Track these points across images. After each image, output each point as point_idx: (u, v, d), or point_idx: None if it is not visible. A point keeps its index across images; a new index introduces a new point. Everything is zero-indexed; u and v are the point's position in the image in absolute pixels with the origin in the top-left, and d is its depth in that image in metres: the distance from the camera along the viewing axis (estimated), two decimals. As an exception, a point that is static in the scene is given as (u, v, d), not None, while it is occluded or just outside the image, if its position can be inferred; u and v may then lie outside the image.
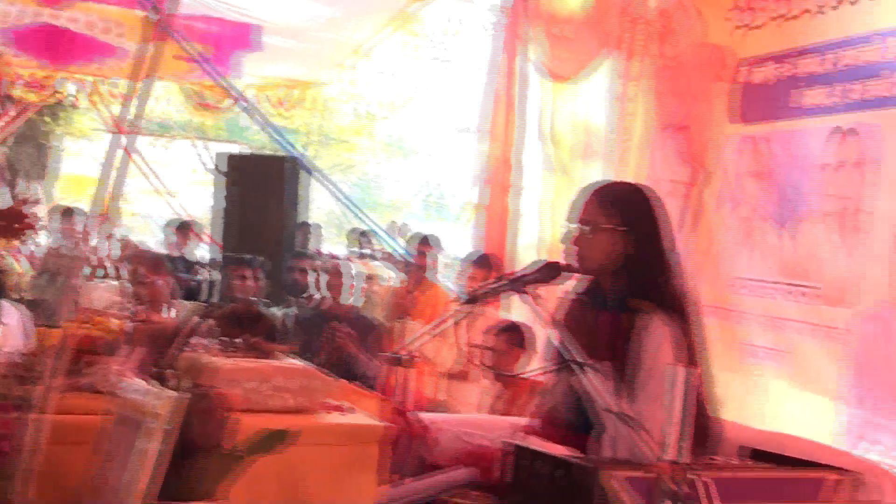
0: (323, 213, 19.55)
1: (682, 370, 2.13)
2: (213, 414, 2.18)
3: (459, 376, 5.64)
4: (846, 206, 3.93)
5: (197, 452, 2.00)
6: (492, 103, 6.77)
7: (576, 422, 2.70)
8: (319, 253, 7.15)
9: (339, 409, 3.30)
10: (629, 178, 4.97)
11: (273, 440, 2.19)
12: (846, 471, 2.45)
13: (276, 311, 6.00)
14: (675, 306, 2.61)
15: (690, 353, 2.59)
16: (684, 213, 4.85)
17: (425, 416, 3.23)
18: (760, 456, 2.53)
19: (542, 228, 6.46)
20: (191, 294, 6.79)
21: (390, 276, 7.17)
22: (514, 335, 4.77)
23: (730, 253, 4.54)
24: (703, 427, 2.63)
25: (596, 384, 2.25)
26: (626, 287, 2.65)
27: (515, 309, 6.40)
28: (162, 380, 2.51)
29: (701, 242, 4.76)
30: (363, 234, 8.98)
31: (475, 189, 7.07)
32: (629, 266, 2.65)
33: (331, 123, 18.04)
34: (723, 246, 4.60)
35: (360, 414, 3.34)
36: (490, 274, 5.37)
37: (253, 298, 5.66)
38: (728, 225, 4.58)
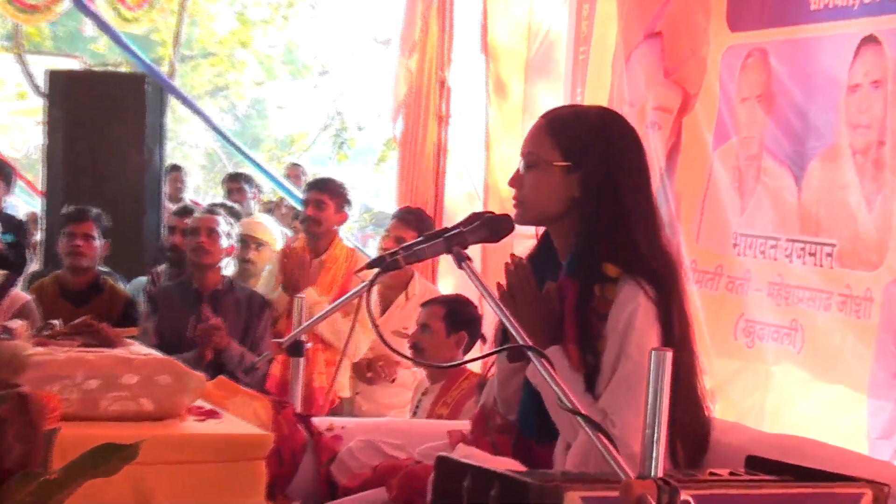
0: (201, 153, 19.40)
1: (668, 356, 2.08)
2: (32, 426, 2.07)
3: (377, 369, 5.60)
4: (870, 140, 3.95)
5: (5, 478, 1.89)
6: (419, 6, 6.69)
7: (532, 426, 2.69)
8: (197, 205, 6.99)
9: (212, 414, 3.20)
10: (598, 103, 4.94)
11: (104, 457, 2.08)
12: (883, 485, 2.42)
13: (125, 285, 5.87)
14: (652, 272, 2.59)
15: (678, 333, 2.58)
16: (672, 152, 4.84)
17: (333, 422, 3.19)
18: (773, 467, 2.49)
19: (486, 171, 6.45)
20: (5, 261, 6.58)
21: (285, 236, 7.05)
22: (450, 312, 4.72)
23: (724, 202, 4.57)
24: (699, 432, 2.64)
25: (556, 376, 2.19)
26: (583, 245, 2.63)
27: (446, 277, 6.42)
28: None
29: (686, 188, 4.75)
30: (246, 179, 8.81)
31: (399, 121, 7.04)
32: (578, 216, 2.64)
33: (203, 31, 17.84)
34: (715, 193, 4.63)
35: (242, 421, 3.25)
36: (417, 233, 5.31)
37: (91, 266, 5.49)
38: (721, 165, 4.60)
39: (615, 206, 2.61)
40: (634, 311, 2.54)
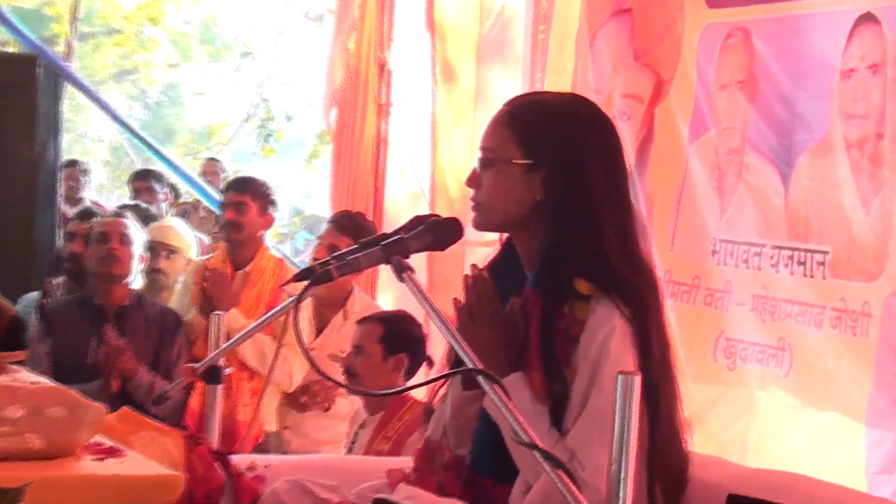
0: (104, 147, 19.20)
1: (637, 381, 2.10)
2: None
3: (308, 398, 5.59)
4: (866, 133, 3.98)
5: None
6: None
7: (488, 463, 2.69)
8: (100, 207, 6.93)
9: (114, 452, 3.17)
10: (560, 89, 4.97)
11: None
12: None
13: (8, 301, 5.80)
14: (629, 288, 2.59)
15: (657, 358, 2.58)
16: (643, 146, 4.87)
17: (255, 459, 3.16)
18: (760, 509, 2.52)
19: (433, 167, 6.44)
20: None
21: (202, 243, 7.00)
22: (388, 332, 4.70)
23: (702, 203, 4.59)
24: (677, 469, 2.65)
25: (510, 406, 2.18)
26: (550, 257, 2.62)
27: (386, 291, 6.41)
28: None
29: (658, 188, 4.78)
30: (156, 177, 8.75)
31: (333, 110, 7.03)
32: (543, 221, 2.64)
33: (106, 4, 17.68)
34: (691, 193, 4.65)
35: (149, 459, 3.22)
36: (354, 240, 5.29)
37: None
38: (699, 161, 4.62)
39: (585, 211, 2.62)
40: (609, 334, 2.54)
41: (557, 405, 2.56)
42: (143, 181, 8.72)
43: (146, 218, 6.81)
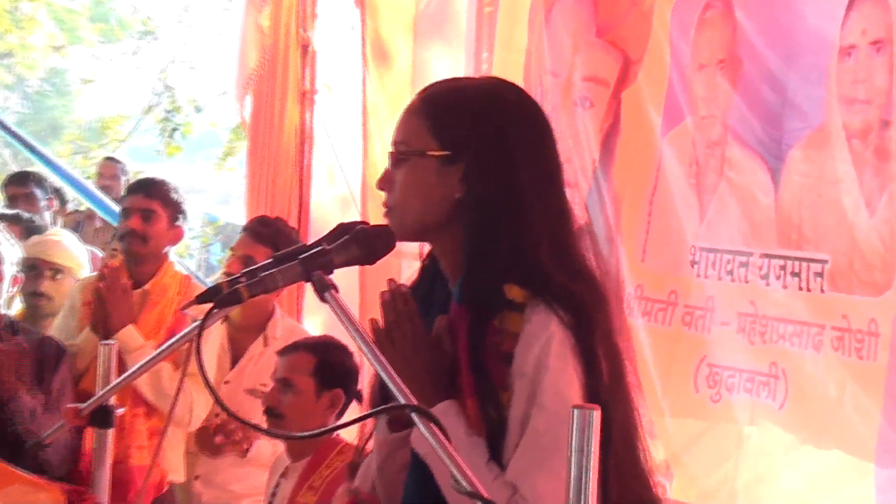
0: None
1: (595, 416, 2.11)
2: None
3: (223, 438, 5.57)
4: (870, 120, 4.00)
5: None
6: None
7: None
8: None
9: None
10: (504, 74, 4.96)
11: None
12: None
13: None
14: (566, 290, 2.60)
15: (607, 372, 2.59)
16: (608, 138, 4.89)
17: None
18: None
19: (364, 165, 6.44)
20: None
21: (95, 260, 6.95)
22: (322, 363, 4.70)
23: (677, 205, 4.61)
24: None
25: (447, 446, 2.17)
26: (473, 263, 2.64)
27: (315, 313, 6.38)
28: None
29: (627, 187, 4.81)
30: (37, 181, 8.67)
31: (248, 99, 7.01)
32: (465, 223, 2.66)
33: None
34: (666, 193, 4.67)
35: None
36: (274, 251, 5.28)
37: None
38: (673, 155, 4.63)
39: (512, 208, 2.65)
40: (547, 344, 2.56)
41: (494, 433, 2.57)
42: (21, 186, 8.61)
43: (29, 230, 6.74)
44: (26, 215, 7.33)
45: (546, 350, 2.55)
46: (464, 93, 2.77)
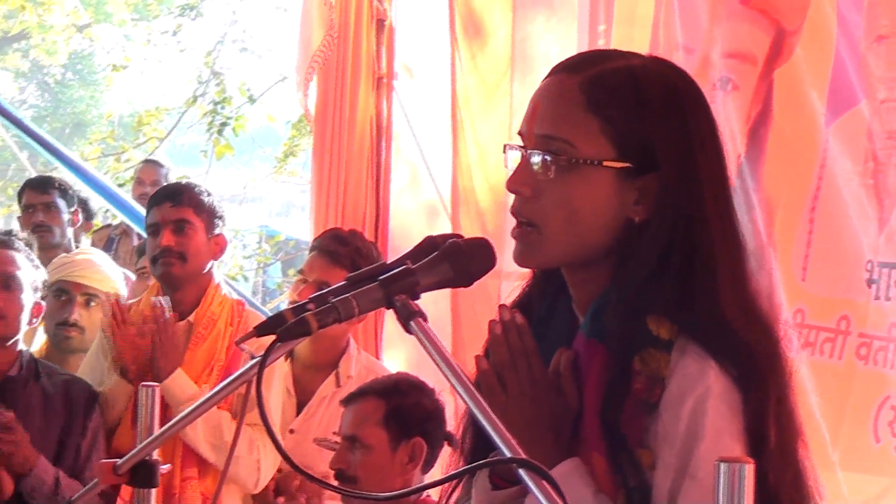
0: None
1: (747, 471, 2.13)
2: None
3: (292, 491, 5.59)
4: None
5: None
6: None
7: None
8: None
9: None
10: (633, 47, 4.97)
11: None
12: None
13: None
14: (735, 338, 2.58)
15: (781, 440, 2.59)
16: (757, 128, 4.89)
17: None
18: None
19: (454, 166, 6.44)
20: None
21: (128, 282, 7.03)
22: (393, 410, 4.73)
23: (849, 212, 4.60)
24: None
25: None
26: (620, 291, 2.62)
27: (396, 346, 6.40)
28: None
29: (781, 189, 4.82)
30: (61, 190, 8.76)
31: (313, 86, 7.07)
32: (637, 250, 2.63)
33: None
34: (833, 196, 4.65)
35: None
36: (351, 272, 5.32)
37: None
38: (842, 149, 4.63)
39: (692, 233, 2.62)
40: (704, 397, 2.55)
41: (631, 501, 2.57)
42: (41, 194, 8.68)
43: (47, 248, 6.81)
44: (47, 224, 7.39)
45: (702, 407, 2.54)
46: (636, 80, 2.68)
